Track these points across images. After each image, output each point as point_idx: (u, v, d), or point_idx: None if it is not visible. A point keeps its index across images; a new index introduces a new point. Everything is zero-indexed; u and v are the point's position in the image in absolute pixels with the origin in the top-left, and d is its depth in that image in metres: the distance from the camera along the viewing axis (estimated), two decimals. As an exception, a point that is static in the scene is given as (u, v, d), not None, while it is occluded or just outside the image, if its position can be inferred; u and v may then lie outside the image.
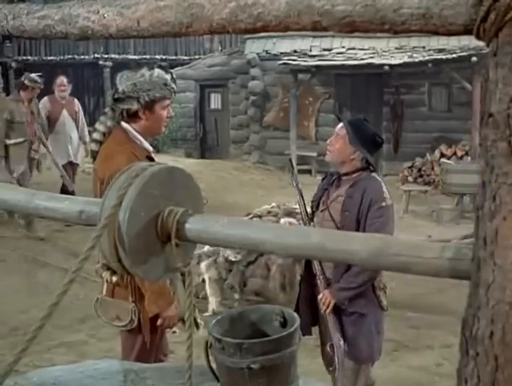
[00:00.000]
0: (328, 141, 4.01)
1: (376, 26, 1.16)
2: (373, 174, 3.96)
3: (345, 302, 3.82)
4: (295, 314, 2.22)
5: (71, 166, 10.13)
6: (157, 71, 3.43)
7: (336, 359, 3.89)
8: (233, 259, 6.72)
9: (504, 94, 1.03)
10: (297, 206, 4.39)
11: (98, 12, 1.52)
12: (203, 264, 6.83)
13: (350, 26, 1.19)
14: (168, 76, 3.47)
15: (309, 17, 1.22)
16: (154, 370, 2.51)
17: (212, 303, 6.72)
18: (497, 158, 1.05)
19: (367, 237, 1.28)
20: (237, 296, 6.82)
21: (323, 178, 4.23)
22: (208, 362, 2.17)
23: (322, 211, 3.97)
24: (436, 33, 1.13)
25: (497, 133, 1.04)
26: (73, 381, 2.44)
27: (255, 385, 2.04)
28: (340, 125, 3.99)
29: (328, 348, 3.97)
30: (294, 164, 4.48)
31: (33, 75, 9.37)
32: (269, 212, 7.34)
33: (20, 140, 9.20)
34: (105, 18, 1.50)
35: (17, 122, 9.13)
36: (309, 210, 4.12)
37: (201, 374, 2.24)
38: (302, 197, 4.07)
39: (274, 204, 7.61)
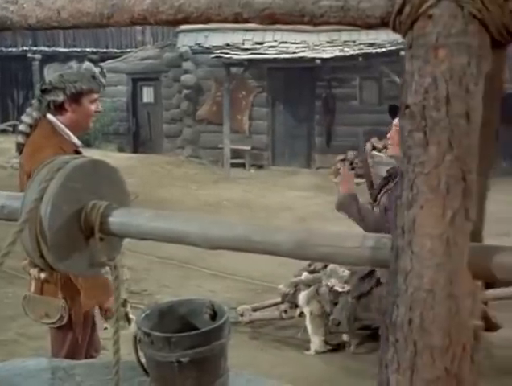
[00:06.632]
0: (388, 136, 3.92)
1: (296, 18, 1.17)
2: None
3: None
4: (225, 307, 2.22)
5: None
6: (86, 63, 3.41)
7: None
8: (340, 289, 5.51)
9: (419, 85, 1.05)
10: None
11: (17, 2, 1.48)
12: (301, 296, 5.71)
13: (271, 18, 1.19)
14: (97, 70, 3.44)
15: (230, 9, 1.22)
16: (83, 366, 2.48)
17: (315, 343, 5.63)
18: (414, 149, 1.07)
19: (291, 229, 1.29)
20: (345, 337, 5.68)
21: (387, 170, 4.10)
22: (138, 356, 2.15)
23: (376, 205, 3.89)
24: (355, 25, 1.14)
25: (414, 124, 1.06)
26: (1, 380, 2.39)
27: (185, 378, 2.03)
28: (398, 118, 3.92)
29: None
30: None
31: None
32: (312, 272, 5.84)
33: None
34: (24, 8, 1.47)
35: None
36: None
37: (131, 369, 2.23)
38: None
39: (313, 267, 6.04)
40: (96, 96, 3.44)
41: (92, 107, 3.44)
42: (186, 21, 1.29)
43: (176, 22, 1.32)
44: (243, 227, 1.30)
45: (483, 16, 1.02)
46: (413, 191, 1.08)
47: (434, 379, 1.11)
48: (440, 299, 1.08)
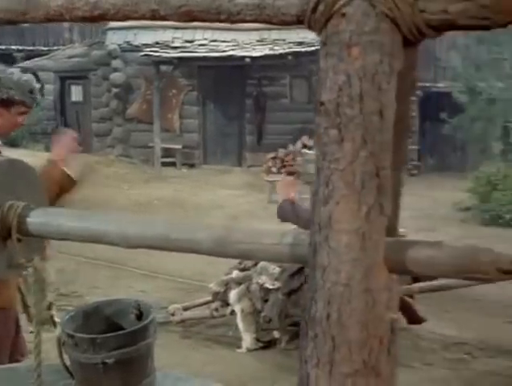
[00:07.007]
0: None
1: (213, 15, 1.17)
2: None
3: None
4: (151, 306, 2.20)
5: None
6: (28, 76, 3.35)
7: None
8: (270, 287, 5.51)
9: (334, 83, 1.06)
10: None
11: None
12: (232, 294, 5.71)
13: (188, 16, 1.19)
14: (37, 86, 3.38)
15: (147, 5, 1.21)
16: (4, 371, 2.43)
17: (247, 340, 5.62)
18: (329, 145, 1.08)
19: (210, 226, 1.29)
20: (276, 333, 5.65)
21: None
22: (62, 359, 2.11)
23: None
24: (271, 23, 1.15)
25: (329, 121, 1.08)
26: None
27: (111, 380, 2.00)
28: None
29: None
30: None
31: None
32: (242, 269, 5.89)
33: None
34: None
35: None
36: None
37: (56, 372, 2.19)
38: None
39: (243, 265, 6.07)
40: (26, 110, 3.38)
41: (19, 119, 3.37)
42: (103, 18, 1.27)
43: (93, 19, 1.30)
44: (162, 226, 1.29)
45: (394, 15, 1.04)
46: (329, 188, 1.09)
47: (352, 372, 1.13)
48: (357, 293, 1.10)
